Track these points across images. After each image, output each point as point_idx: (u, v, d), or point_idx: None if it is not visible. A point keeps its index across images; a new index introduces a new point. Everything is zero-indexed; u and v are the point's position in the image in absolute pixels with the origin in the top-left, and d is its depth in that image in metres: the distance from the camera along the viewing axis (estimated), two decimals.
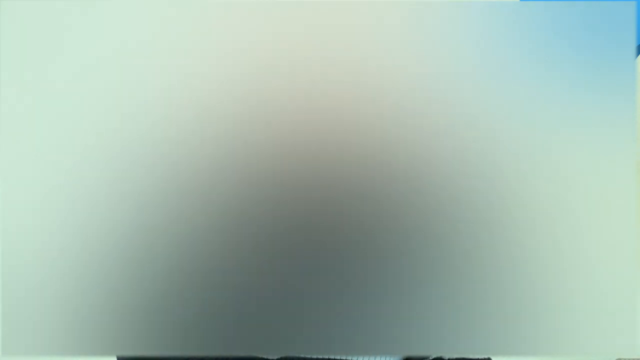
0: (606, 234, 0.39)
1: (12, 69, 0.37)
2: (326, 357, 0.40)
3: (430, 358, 0.43)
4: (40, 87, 0.37)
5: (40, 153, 0.37)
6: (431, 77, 0.38)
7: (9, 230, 0.37)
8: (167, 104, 0.37)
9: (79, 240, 0.37)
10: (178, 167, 0.37)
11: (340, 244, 0.37)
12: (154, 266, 0.37)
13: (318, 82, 0.37)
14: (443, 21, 0.38)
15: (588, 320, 0.39)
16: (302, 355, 0.38)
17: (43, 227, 0.37)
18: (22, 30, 0.37)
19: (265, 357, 0.38)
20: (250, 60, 0.37)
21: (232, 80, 0.37)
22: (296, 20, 0.38)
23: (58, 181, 0.37)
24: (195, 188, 0.37)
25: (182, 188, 0.37)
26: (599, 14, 0.39)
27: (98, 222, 0.37)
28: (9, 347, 0.37)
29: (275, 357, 0.38)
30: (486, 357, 0.40)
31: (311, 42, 0.38)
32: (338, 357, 0.41)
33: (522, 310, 0.38)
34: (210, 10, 0.38)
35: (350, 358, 0.41)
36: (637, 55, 0.41)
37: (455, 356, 0.38)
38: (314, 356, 0.38)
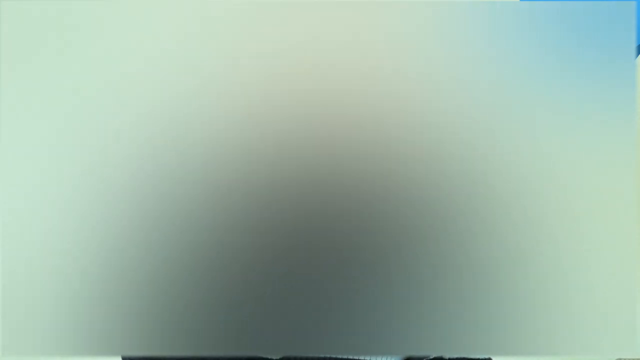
0: (606, 234, 0.39)
1: (12, 69, 0.37)
2: (326, 356, 0.40)
3: (431, 358, 0.43)
4: (40, 88, 0.37)
5: (40, 153, 0.37)
6: (431, 77, 0.38)
7: (9, 230, 0.37)
8: (168, 104, 0.37)
9: (79, 240, 0.37)
10: (179, 168, 0.37)
11: (341, 244, 0.37)
12: (155, 266, 0.37)
13: (318, 82, 0.37)
14: (443, 21, 0.38)
15: (588, 320, 0.39)
16: (302, 355, 0.38)
17: (43, 227, 0.37)
18: (23, 30, 0.37)
19: (265, 357, 0.38)
20: (251, 60, 0.37)
21: (233, 80, 0.37)
22: (297, 20, 0.38)
23: (58, 181, 0.37)
24: (196, 189, 0.37)
25: (183, 189, 0.37)
26: (599, 14, 0.39)
27: (98, 222, 0.37)
28: (9, 347, 0.37)
29: (276, 357, 0.38)
30: (487, 356, 0.40)
31: (311, 42, 0.38)
32: (338, 357, 0.41)
33: (522, 310, 0.38)
34: (212, 10, 0.38)
35: (350, 358, 0.41)
36: (637, 55, 0.41)
37: (455, 356, 0.38)
38: (314, 356, 0.38)
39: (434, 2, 0.38)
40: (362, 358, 0.41)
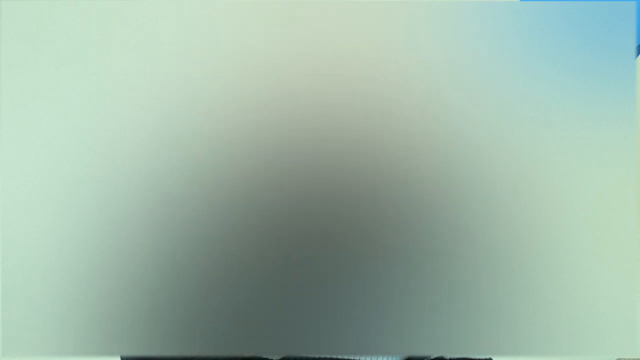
0: (606, 234, 0.39)
1: (12, 69, 0.37)
2: (326, 357, 0.40)
3: (431, 358, 0.43)
4: (40, 87, 0.37)
5: (41, 153, 0.37)
6: (430, 77, 0.38)
7: (9, 230, 0.37)
8: (169, 104, 0.37)
9: (79, 241, 0.37)
10: (179, 167, 0.37)
11: (341, 244, 0.37)
12: (155, 266, 0.37)
13: (318, 82, 0.37)
14: (443, 21, 0.38)
15: (588, 320, 0.39)
16: (302, 355, 0.38)
17: (43, 227, 0.37)
18: (22, 30, 0.37)
19: (265, 357, 0.38)
20: (251, 60, 0.37)
21: (233, 80, 0.37)
22: (297, 20, 0.38)
23: (58, 181, 0.37)
24: (196, 189, 0.37)
25: (183, 189, 0.37)
26: (599, 14, 0.39)
27: (99, 223, 0.37)
28: (9, 347, 0.37)
29: (276, 357, 0.38)
30: (487, 357, 0.40)
31: (311, 42, 0.38)
32: (338, 357, 0.41)
33: (522, 310, 0.38)
34: (212, 10, 0.38)
35: (350, 358, 0.41)
36: (637, 55, 0.41)
37: (456, 356, 0.38)
38: (314, 356, 0.38)
39: (434, 2, 0.38)
40: (362, 358, 0.41)
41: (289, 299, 0.37)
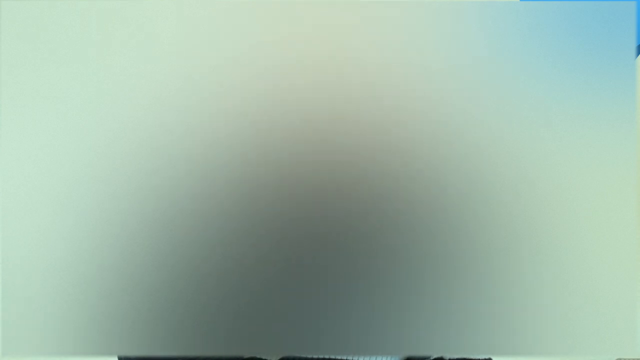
0: (606, 234, 0.39)
1: (12, 69, 0.37)
2: (326, 357, 0.40)
3: (432, 358, 0.43)
4: (40, 87, 0.37)
5: (41, 153, 0.37)
6: (430, 77, 0.38)
7: (9, 230, 0.37)
8: (169, 104, 0.37)
9: (79, 241, 0.37)
10: (179, 167, 0.37)
11: (341, 244, 0.37)
12: (154, 267, 0.37)
13: (318, 82, 0.37)
14: (443, 21, 0.38)
15: (588, 320, 0.39)
16: (302, 355, 0.38)
17: (43, 227, 0.37)
18: (23, 30, 0.37)
19: (265, 357, 0.38)
20: (253, 60, 0.37)
21: (233, 80, 0.37)
22: (297, 20, 0.38)
23: (58, 181, 0.37)
24: (196, 189, 0.37)
25: (182, 189, 0.37)
26: (599, 14, 0.39)
27: (99, 223, 0.37)
28: (9, 347, 0.37)
29: (275, 358, 0.38)
30: (487, 357, 0.40)
31: (311, 42, 0.38)
32: (338, 357, 0.41)
33: (522, 310, 0.38)
34: (212, 10, 0.38)
35: (350, 358, 0.41)
36: (637, 55, 0.41)
37: (456, 356, 0.38)
38: (314, 356, 0.38)
39: (434, 2, 0.38)
40: (362, 358, 0.41)
41: (288, 300, 0.37)
